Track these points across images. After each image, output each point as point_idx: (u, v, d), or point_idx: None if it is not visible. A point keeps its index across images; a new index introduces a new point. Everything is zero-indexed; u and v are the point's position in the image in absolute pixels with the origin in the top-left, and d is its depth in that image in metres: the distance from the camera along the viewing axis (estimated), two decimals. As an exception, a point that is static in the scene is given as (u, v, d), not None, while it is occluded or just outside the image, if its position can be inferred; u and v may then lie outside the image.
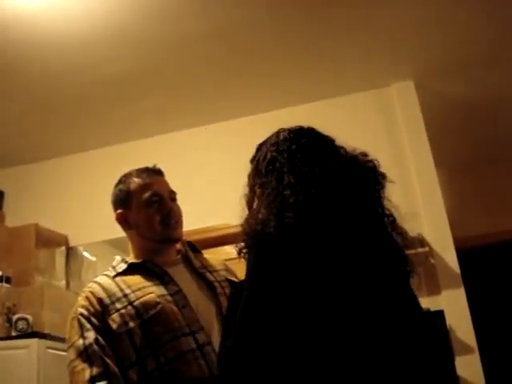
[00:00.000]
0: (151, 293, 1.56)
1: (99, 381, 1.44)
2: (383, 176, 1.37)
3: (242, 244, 1.28)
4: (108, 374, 1.46)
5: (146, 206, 1.68)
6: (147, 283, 1.59)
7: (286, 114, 3.52)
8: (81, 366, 1.47)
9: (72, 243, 3.75)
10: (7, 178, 3.98)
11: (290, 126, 1.43)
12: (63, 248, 3.69)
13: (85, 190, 3.83)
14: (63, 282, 3.59)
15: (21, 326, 3.02)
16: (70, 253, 3.73)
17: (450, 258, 3.09)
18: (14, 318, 3.05)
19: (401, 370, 1.20)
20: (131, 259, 1.70)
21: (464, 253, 3.32)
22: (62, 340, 2.78)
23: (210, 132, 3.77)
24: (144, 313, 1.52)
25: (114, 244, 3.39)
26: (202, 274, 1.70)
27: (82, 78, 3.20)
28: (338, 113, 3.50)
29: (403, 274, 1.32)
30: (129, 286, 1.59)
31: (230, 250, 4.16)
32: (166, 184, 1.76)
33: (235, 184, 3.95)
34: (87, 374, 1.45)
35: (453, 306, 2.97)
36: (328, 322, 1.17)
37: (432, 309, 2.90)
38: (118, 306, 1.54)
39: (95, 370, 1.46)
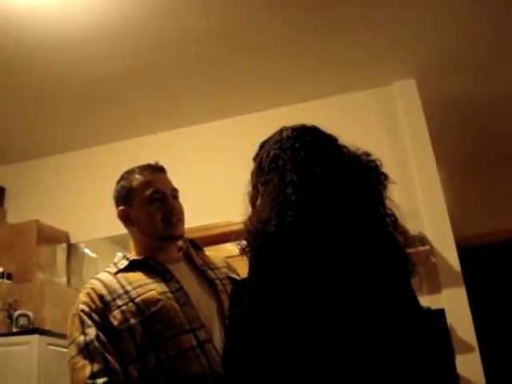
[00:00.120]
0: (152, 290, 1.56)
1: (100, 377, 1.44)
2: (385, 176, 1.37)
3: (244, 242, 1.28)
4: (109, 371, 1.46)
5: (148, 204, 1.68)
6: (148, 280, 1.60)
7: (286, 113, 3.52)
8: (82, 362, 1.48)
9: (73, 240, 3.75)
10: (8, 175, 3.98)
11: (293, 125, 1.43)
12: (64, 245, 3.69)
13: (86, 187, 3.84)
14: (64, 279, 3.59)
15: (22, 323, 3.02)
16: (71, 249, 3.73)
17: (451, 257, 3.09)
18: (15, 314, 3.06)
19: (402, 370, 1.20)
20: (133, 256, 1.70)
21: (465, 251, 3.32)
22: (62, 336, 2.78)
23: (213, 129, 3.77)
24: (145, 310, 1.53)
25: (115, 241, 3.39)
26: (203, 271, 1.70)
27: (83, 74, 3.20)
28: (339, 111, 3.50)
29: (404, 273, 1.32)
30: (130, 283, 1.59)
31: (232, 248, 4.17)
32: (168, 181, 1.76)
33: (237, 182, 3.95)
34: (88, 370, 1.46)
35: (453, 304, 2.97)
36: (331, 322, 1.16)
37: (433, 307, 2.90)
38: (119, 302, 1.54)
39: (96, 367, 1.46)
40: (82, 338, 1.51)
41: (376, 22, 3.02)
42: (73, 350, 1.51)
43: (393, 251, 1.31)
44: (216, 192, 3.56)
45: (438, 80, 3.53)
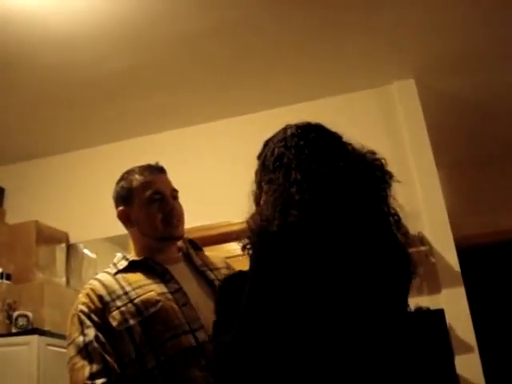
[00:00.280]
0: (152, 290, 1.56)
1: (99, 378, 1.45)
2: (390, 175, 1.36)
3: (247, 240, 1.27)
4: (108, 371, 1.46)
5: (148, 204, 1.68)
6: (148, 281, 1.59)
7: (286, 113, 3.52)
8: (81, 362, 1.48)
9: (72, 240, 3.75)
10: (8, 175, 3.98)
11: (297, 122, 1.41)
12: (64, 245, 3.69)
13: (86, 187, 3.83)
14: (63, 279, 3.59)
15: (21, 323, 3.02)
16: (71, 250, 3.73)
17: (451, 257, 3.09)
18: (15, 314, 3.06)
19: (401, 370, 1.20)
20: (132, 256, 1.70)
21: (464, 251, 3.32)
22: (62, 337, 2.78)
23: (213, 130, 3.77)
24: (144, 310, 1.52)
25: (115, 241, 3.39)
26: (202, 272, 1.70)
27: (83, 74, 3.20)
28: (339, 111, 3.50)
29: (405, 275, 1.32)
30: (129, 284, 1.59)
31: (232, 248, 4.18)
32: (168, 182, 1.76)
33: (236, 182, 3.95)
34: (87, 370, 1.46)
35: (453, 304, 2.97)
36: (329, 322, 1.16)
37: (432, 307, 2.91)
38: (119, 303, 1.54)
39: (95, 367, 1.46)
40: (81, 338, 1.51)
41: (375, 22, 3.02)
42: (72, 351, 1.51)
43: (395, 253, 1.30)
44: (216, 192, 3.56)
45: (438, 80, 3.53)
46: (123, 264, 1.66)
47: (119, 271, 1.64)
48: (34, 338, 2.95)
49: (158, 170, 1.76)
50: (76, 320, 1.55)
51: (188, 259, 1.74)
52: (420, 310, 2.87)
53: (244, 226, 1.31)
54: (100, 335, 1.50)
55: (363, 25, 3.05)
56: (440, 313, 2.91)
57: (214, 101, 3.60)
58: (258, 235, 1.22)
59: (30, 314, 3.06)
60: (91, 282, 1.63)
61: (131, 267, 1.64)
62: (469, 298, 3.00)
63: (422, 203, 3.21)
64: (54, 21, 2.79)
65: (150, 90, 3.43)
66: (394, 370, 1.18)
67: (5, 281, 3.20)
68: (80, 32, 2.88)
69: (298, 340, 1.16)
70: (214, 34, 3.00)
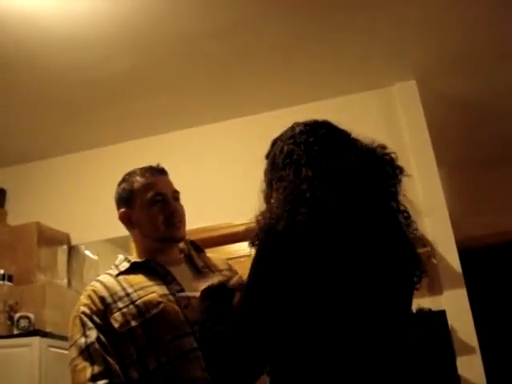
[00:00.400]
0: (153, 292, 1.56)
1: (100, 379, 1.45)
2: (401, 169, 1.35)
3: (255, 237, 1.27)
4: (109, 373, 1.47)
5: (150, 206, 1.68)
6: (149, 282, 1.60)
7: (287, 114, 3.50)
8: (82, 364, 1.48)
9: (74, 242, 3.75)
10: (9, 176, 3.98)
11: (305, 120, 1.40)
12: (65, 246, 3.69)
13: (87, 189, 3.84)
14: (65, 281, 3.58)
15: (23, 325, 3.02)
16: (72, 251, 3.72)
17: (452, 258, 3.09)
18: (16, 316, 3.05)
19: (403, 371, 1.20)
20: (134, 258, 1.70)
21: (466, 253, 3.32)
22: (63, 338, 2.78)
23: (214, 131, 3.77)
24: (146, 312, 1.53)
25: (116, 243, 3.39)
26: (204, 274, 1.70)
27: (85, 75, 3.20)
28: (340, 113, 3.47)
29: (413, 275, 1.32)
30: (131, 285, 1.59)
31: (233, 249, 4.17)
32: (169, 183, 1.76)
33: (238, 183, 3.96)
34: (88, 372, 1.46)
35: (455, 306, 2.97)
36: (329, 322, 1.16)
37: (434, 309, 2.90)
38: (120, 305, 1.54)
39: (96, 369, 1.46)
40: (82, 339, 1.51)
41: (376, 23, 3.02)
42: (74, 352, 1.51)
43: (404, 254, 1.30)
44: (217, 194, 3.56)
45: (439, 81, 3.53)
46: (125, 265, 1.66)
47: (121, 273, 1.64)
48: (36, 340, 2.95)
49: (159, 172, 1.76)
50: (78, 321, 1.55)
51: (190, 261, 1.74)
52: (422, 311, 2.86)
53: (250, 224, 1.30)
54: (102, 337, 1.51)
55: (364, 26, 3.05)
56: (442, 314, 2.91)
57: (215, 102, 3.60)
58: (264, 232, 1.22)
59: (31, 316, 3.06)
60: (93, 283, 1.64)
61: (133, 269, 1.65)
62: (470, 299, 2.99)
63: (424, 204, 3.20)
64: (55, 22, 2.79)
65: (151, 91, 3.43)
66: (396, 371, 1.18)
67: (6, 282, 3.19)
68: (82, 33, 2.88)
69: (292, 335, 1.16)
70: (215, 35, 3.00)
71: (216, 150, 3.73)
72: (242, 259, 3.73)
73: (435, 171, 3.29)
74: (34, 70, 3.12)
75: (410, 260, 1.30)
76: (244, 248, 4.26)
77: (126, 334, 1.51)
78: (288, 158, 1.31)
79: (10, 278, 3.23)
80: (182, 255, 1.75)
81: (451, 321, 2.91)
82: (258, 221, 1.28)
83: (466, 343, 2.90)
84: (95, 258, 3.72)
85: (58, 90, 3.30)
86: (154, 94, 3.45)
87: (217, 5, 2.80)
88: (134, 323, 1.51)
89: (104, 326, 1.52)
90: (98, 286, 1.61)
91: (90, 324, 1.53)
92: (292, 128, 1.39)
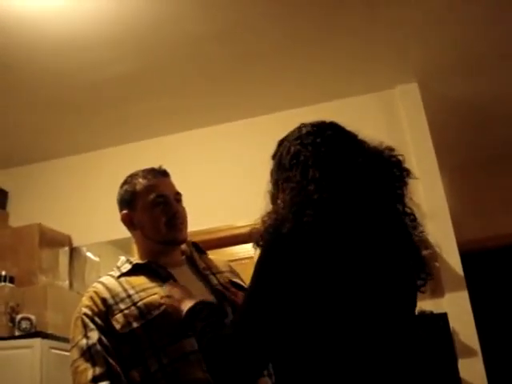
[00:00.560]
0: (155, 294, 1.56)
1: (102, 381, 1.45)
2: (408, 172, 1.35)
3: (260, 237, 1.26)
4: (111, 374, 1.47)
5: (151, 208, 1.69)
6: (151, 284, 1.60)
7: (288, 116, 3.52)
8: (84, 365, 1.48)
9: (75, 243, 3.75)
10: (11, 178, 3.99)
11: (312, 121, 1.39)
12: (67, 248, 3.69)
13: (89, 191, 3.84)
14: (66, 282, 3.59)
15: (24, 326, 3.02)
16: (74, 253, 3.73)
17: (454, 261, 3.08)
18: (18, 317, 3.05)
19: (405, 373, 1.20)
20: (136, 260, 1.70)
21: (468, 255, 3.31)
22: (65, 340, 2.78)
23: (216, 133, 3.77)
24: (147, 314, 1.53)
25: (118, 244, 3.40)
26: (205, 275, 1.70)
27: (86, 77, 3.20)
28: (342, 115, 3.45)
29: (417, 278, 1.31)
30: (133, 287, 1.59)
31: (234, 252, 4.16)
32: (171, 185, 1.76)
33: (239, 186, 3.95)
34: (90, 373, 1.46)
35: (456, 308, 2.97)
36: (333, 324, 1.16)
37: (435, 311, 2.90)
38: (122, 306, 1.54)
39: (98, 370, 1.46)
40: (84, 341, 1.51)
41: (380, 23, 3.01)
42: (75, 353, 1.51)
43: (409, 257, 1.29)
44: (219, 196, 3.56)
45: (441, 83, 3.53)
46: (127, 267, 1.66)
47: (122, 274, 1.64)
48: (37, 341, 2.95)
49: (161, 174, 1.76)
50: (79, 323, 1.55)
51: (191, 262, 1.74)
52: (423, 314, 2.86)
53: (255, 225, 1.30)
54: (103, 338, 1.51)
55: (365, 28, 3.04)
56: (443, 316, 2.91)
57: (216, 104, 3.60)
58: (269, 234, 1.22)
59: (33, 317, 3.06)
60: (95, 284, 1.64)
61: (134, 270, 1.65)
62: (472, 302, 2.99)
63: (426, 207, 3.19)
64: (56, 24, 2.79)
65: (153, 93, 3.43)
66: (399, 374, 1.18)
67: (8, 284, 3.20)
68: (83, 35, 2.89)
69: (297, 337, 1.17)
70: (217, 37, 3.00)
71: (217, 151, 3.73)
72: (244, 261, 3.73)
73: (437, 174, 3.29)
74: (36, 72, 3.12)
75: (415, 263, 1.30)
76: (246, 250, 4.28)
77: (127, 335, 1.51)
78: (295, 158, 1.30)
79: (12, 280, 3.23)
80: (183, 257, 1.75)
81: (453, 323, 2.91)
82: (263, 221, 1.28)
83: (467, 346, 2.89)
84: (97, 259, 3.72)
85: (59, 92, 3.31)
86: (155, 95, 3.45)
87: (218, 7, 2.80)
88: (135, 325, 1.51)
89: (105, 328, 1.52)
90: (99, 287, 1.61)
91: (91, 325, 1.53)
92: (299, 129, 1.39)
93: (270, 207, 1.34)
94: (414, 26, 3.06)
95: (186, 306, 1.42)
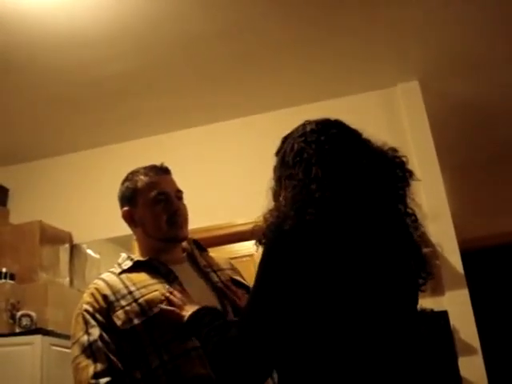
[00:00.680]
0: (156, 290, 1.56)
1: (103, 377, 1.45)
2: (410, 173, 1.35)
3: (262, 235, 1.26)
4: (112, 371, 1.47)
5: (153, 205, 1.69)
6: (152, 281, 1.60)
7: (288, 115, 3.51)
8: (85, 362, 1.48)
9: (76, 241, 3.75)
10: (12, 175, 3.98)
11: (316, 119, 1.39)
12: (67, 245, 3.70)
13: (89, 188, 3.84)
14: (67, 280, 3.59)
15: (25, 323, 3.03)
16: (74, 250, 3.73)
17: (454, 259, 3.08)
18: (18, 314, 3.06)
19: (406, 371, 1.20)
20: (137, 257, 1.70)
21: (468, 254, 3.32)
22: (65, 337, 2.79)
23: (215, 131, 3.77)
24: (148, 310, 1.53)
25: (118, 242, 3.40)
26: (206, 273, 1.70)
27: (87, 74, 3.19)
28: (343, 113, 3.44)
29: (418, 277, 1.32)
30: (134, 284, 1.59)
31: (234, 249, 4.16)
32: (172, 183, 1.76)
33: (240, 183, 3.94)
34: (91, 370, 1.46)
35: (456, 306, 2.97)
36: (335, 321, 1.16)
37: (436, 309, 2.90)
38: (123, 302, 1.55)
39: (99, 367, 1.47)
40: (85, 337, 1.51)
41: (381, 22, 3.01)
42: (76, 350, 1.52)
43: (410, 256, 1.29)
44: (219, 193, 3.56)
45: (442, 82, 3.53)
46: (128, 264, 1.66)
47: (124, 271, 1.64)
48: (38, 338, 2.95)
49: (162, 171, 1.76)
50: (80, 319, 1.55)
51: (192, 260, 1.74)
52: (424, 312, 2.86)
53: (257, 222, 1.30)
54: (104, 334, 1.51)
55: (365, 26, 3.04)
56: (444, 314, 2.91)
57: (216, 102, 3.59)
58: (271, 231, 1.22)
59: (33, 314, 3.06)
60: (96, 281, 1.64)
61: (136, 267, 1.65)
62: (472, 300, 3.00)
63: (426, 205, 3.19)
64: (56, 21, 2.78)
65: (154, 91, 3.43)
66: (400, 372, 1.18)
67: (8, 281, 3.20)
68: (84, 32, 2.88)
69: (301, 334, 1.17)
70: (217, 36, 2.99)
71: (217, 150, 3.73)
72: (244, 259, 3.74)
73: (438, 172, 3.29)
74: (36, 69, 3.12)
75: (415, 262, 1.30)
76: (246, 248, 4.28)
77: (128, 331, 1.51)
78: (298, 156, 1.30)
79: (13, 277, 3.23)
80: (184, 254, 1.75)
81: (453, 321, 2.91)
82: (265, 218, 1.28)
83: (467, 344, 2.90)
84: (97, 256, 3.72)
85: (60, 89, 3.30)
86: (156, 93, 3.45)
87: (218, 6, 2.80)
88: (136, 321, 1.51)
89: (107, 324, 1.53)
90: (100, 284, 1.61)
91: (92, 322, 1.53)
92: (303, 126, 1.38)
93: (271, 204, 1.33)
94: (414, 25, 3.05)
95: (188, 311, 1.42)
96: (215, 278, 1.69)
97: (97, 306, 1.56)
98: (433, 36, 3.14)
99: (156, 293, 1.55)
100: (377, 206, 1.26)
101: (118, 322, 1.52)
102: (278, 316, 1.16)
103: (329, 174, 1.24)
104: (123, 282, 1.60)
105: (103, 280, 1.63)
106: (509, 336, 4.17)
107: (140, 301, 1.54)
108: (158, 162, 1.79)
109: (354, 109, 3.51)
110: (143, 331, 1.50)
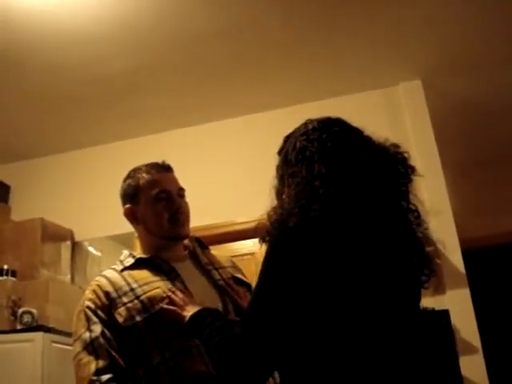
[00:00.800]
0: (158, 287, 1.56)
1: (104, 374, 1.45)
2: (412, 169, 1.35)
3: (266, 232, 1.26)
4: (113, 367, 1.47)
5: (155, 203, 1.69)
6: (154, 278, 1.60)
7: (290, 113, 3.52)
8: (87, 358, 1.48)
9: (77, 238, 3.75)
10: (13, 173, 3.99)
11: (318, 117, 1.40)
12: (68, 242, 3.70)
13: (91, 185, 3.84)
14: (68, 277, 3.59)
15: (26, 320, 3.03)
16: (76, 247, 3.73)
17: (456, 258, 3.08)
18: (19, 311, 3.06)
19: (406, 370, 1.20)
20: (139, 254, 1.70)
21: (469, 253, 3.32)
22: (66, 334, 2.80)
23: (216, 129, 3.77)
24: (150, 307, 1.53)
25: (119, 239, 3.40)
26: (208, 270, 1.70)
27: (88, 72, 3.20)
28: (345, 111, 3.44)
29: (421, 274, 1.32)
30: (136, 281, 1.59)
31: (235, 247, 4.15)
32: (174, 180, 1.76)
33: (241, 181, 3.94)
34: (93, 366, 1.46)
35: (458, 305, 2.97)
36: (338, 318, 1.16)
37: (437, 308, 2.90)
38: (125, 299, 1.55)
39: (101, 363, 1.47)
40: (87, 334, 1.51)
41: (384, 21, 3.01)
42: (78, 346, 1.52)
43: (413, 253, 1.29)
44: (220, 192, 3.56)
45: (444, 81, 3.53)
46: (130, 261, 1.66)
47: (126, 268, 1.65)
48: (39, 335, 2.96)
49: (164, 169, 1.76)
50: (82, 316, 1.56)
51: (194, 257, 1.74)
52: (425, 311, 2.86)
53: (261, 220, 1.30)
54: (106, 331, 1.51)
55: (366, 28, 3.04)
56: (445, 313, 2.91)
57: (218, 101, 3.59)
58: (275, 228, 1.22)
59: (34, 311, 3.06)
60: (98, 278, 1.64)
61: (138, 264, 1.65)
62: (473, 299, 3.00)
63: (428, 204, 3.18)
64: (57, 20, 2.79)
65: (156, 89, 3.43)
66: (402, 371, 1.18)
67: (10, 278, 3.20)
68: (86, 30, 2.88)
69: (305, 332, 1.17)
70: (218, 34, 2.99)
71: (218, 148, 3.73)
72: (245, 257, 3.74)
73: (440, 171, 3.28)
74: (37, 66, 3.12)
75: (418, 259, 1.30)
76: (246, 246, 4.28)
77: (130, 328, 1.51)
78: (301, 154, 1.31)
79: (14, 274, 3.24)
80: (186, 252, 1.75)
81: (454, 320, 2.91)
82: (269, 216, 1.28)
83: (468, 343, 2.89)
84: (98, 254, 3.73)
85: (61, 87, 3.30)
86: (157, 91, 3.45)
87: (219, 6, 2.80)
88: (138, 318, 1.51)
89: (108, 321, 1.53)
90: (102, 280, 1.61)
91: (94, 318, 1.53)
92: (305, 124, 1.39)
93: (275, 202, 1.34)
94: (415, 25, 3.05)
95: (189, 312, 1.42)
96: (217, 276, 1.69)
97: (99, 302, 1.56)
98: (432, 37, 3.14)
99: (158, 290, 1.55)
100: (380, 202, 1.26)
101: (120, 319, 1.52)
102: (282, 314, 1.16)
103: (332, 171, 1.25)
104: (125, 279, 1.60)
105: (105, 277, 1.63)
106: (510, 335, 4.17)
107: (142, 298, 1.54)
108: (160, 160, 1.79)
109: (356, 107, 3.50)
110: (145, 328, 1.51)
